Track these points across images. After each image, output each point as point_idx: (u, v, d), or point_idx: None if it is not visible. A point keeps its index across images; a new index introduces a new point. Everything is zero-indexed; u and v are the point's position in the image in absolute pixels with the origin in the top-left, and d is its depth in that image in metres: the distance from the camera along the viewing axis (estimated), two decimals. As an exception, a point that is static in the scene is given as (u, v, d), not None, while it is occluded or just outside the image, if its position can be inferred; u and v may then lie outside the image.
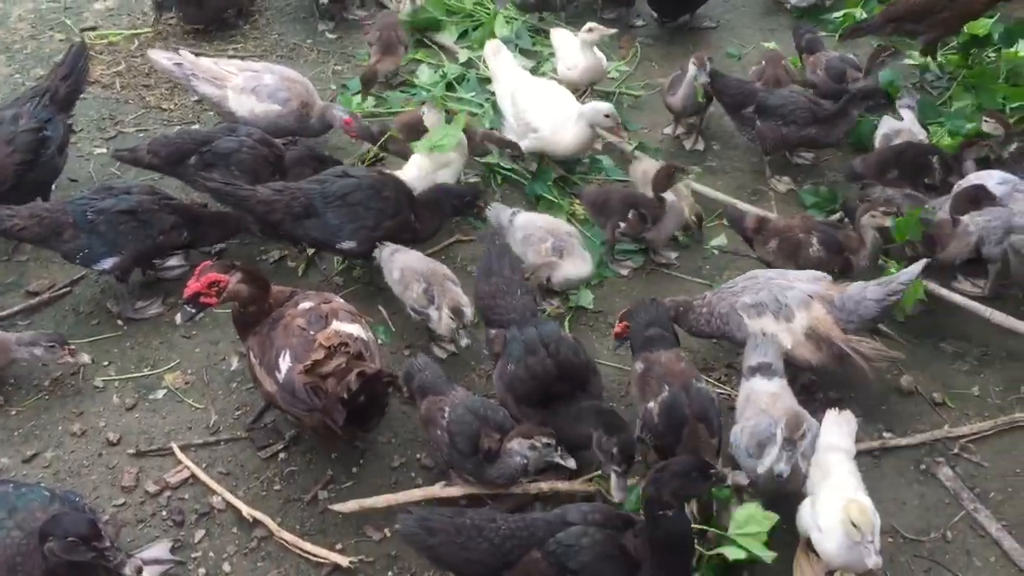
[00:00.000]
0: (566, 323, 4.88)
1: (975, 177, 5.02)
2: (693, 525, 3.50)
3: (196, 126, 6.27)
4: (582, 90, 6.39)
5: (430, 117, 5.55)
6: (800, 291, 4.27)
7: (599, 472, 4.00)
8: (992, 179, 4.96)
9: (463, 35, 7.26)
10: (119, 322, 4.92)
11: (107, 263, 4.77)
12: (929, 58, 6.58)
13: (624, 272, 5.25)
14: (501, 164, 5.89)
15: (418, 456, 4.25)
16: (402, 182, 5.06)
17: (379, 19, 6.92)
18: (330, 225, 4.80)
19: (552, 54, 6.68)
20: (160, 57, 5.90)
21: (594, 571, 3.22)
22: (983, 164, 5.41)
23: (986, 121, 5.47)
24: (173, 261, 5.16)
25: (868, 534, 3.27)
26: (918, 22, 6.34)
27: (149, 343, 4.81)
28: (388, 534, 3.90)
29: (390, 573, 3.81)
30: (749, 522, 3.55)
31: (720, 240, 5.44)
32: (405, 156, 5.61)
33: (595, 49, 6.30)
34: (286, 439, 4.27)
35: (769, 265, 4.90)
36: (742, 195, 5.72)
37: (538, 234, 4.89)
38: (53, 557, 3.17)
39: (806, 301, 4.24)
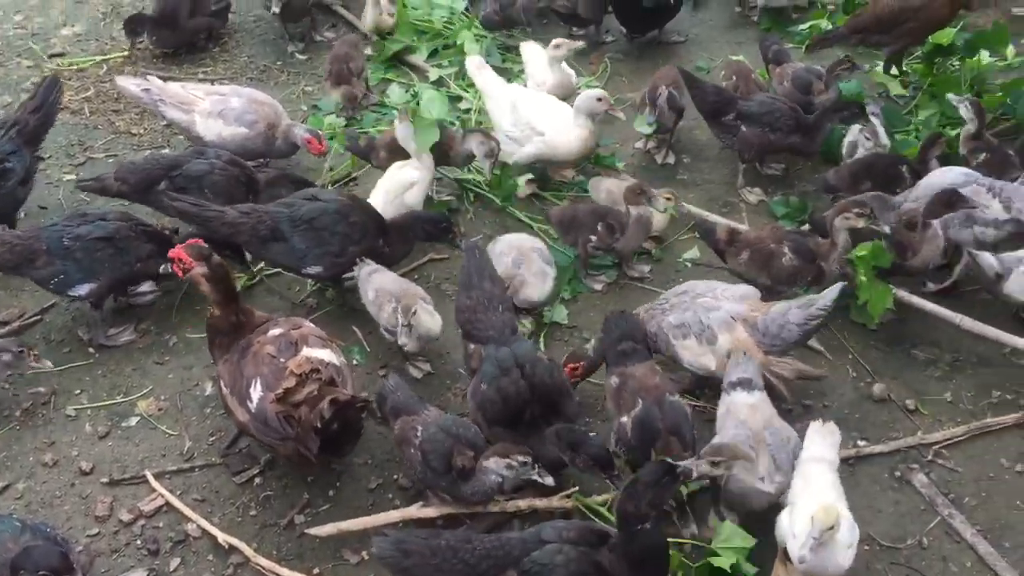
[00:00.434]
0: (541, 339, 4.88)
1: (938, 173, 5.08)
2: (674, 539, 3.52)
3: (166, 150, 6.26)
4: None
5: (401, 130, 5.54)
6: (724, 312, 4.28)
7: (576, 488, 4.00)
8: (956, 171, 5.06)
9: (433, 54, 7.29)
10: (91, 350, 4.88)
11: (82, 289, 4.73)
12: (890, 78, 6.67)
13: (598, 287, 5.26)
14: (479, 171, 5.91)
15: (395, 477, 4.23)
16: (371, 207, 5.04)
17: (333, 48, 6.82)
18: (296, 249, 4.78)
19: (522, 71, 6.71)
20: (128, 84, 5.89)
21: (569, 588, 3.21)
22: (946, 162, 5.48)
23: (966, 105, 5.52)
24: (144, 287, 5.13)
25: (819, 531, 3.27)
26: (884, 33, 6.43)
27: (121, 370, 4.77)
28: (366, 557, 3.87)
29: (368, 596, 3.80)
30: (732, 538, 3.59)
31: (693, 253, 5.46)
32: None
33: (564, 65, 6.33)
34: (261, 464, 4.24)
35: (741, 277, 4.93)
36: (714, 207, 5.76)
37: (500, 247, 4.91)
38: (25, 590, 3.13)
39: (728, 323, 4.25)
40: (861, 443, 4.32)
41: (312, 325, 4.17)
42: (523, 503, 3.94)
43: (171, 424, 4.49)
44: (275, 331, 4.01)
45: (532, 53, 6.58)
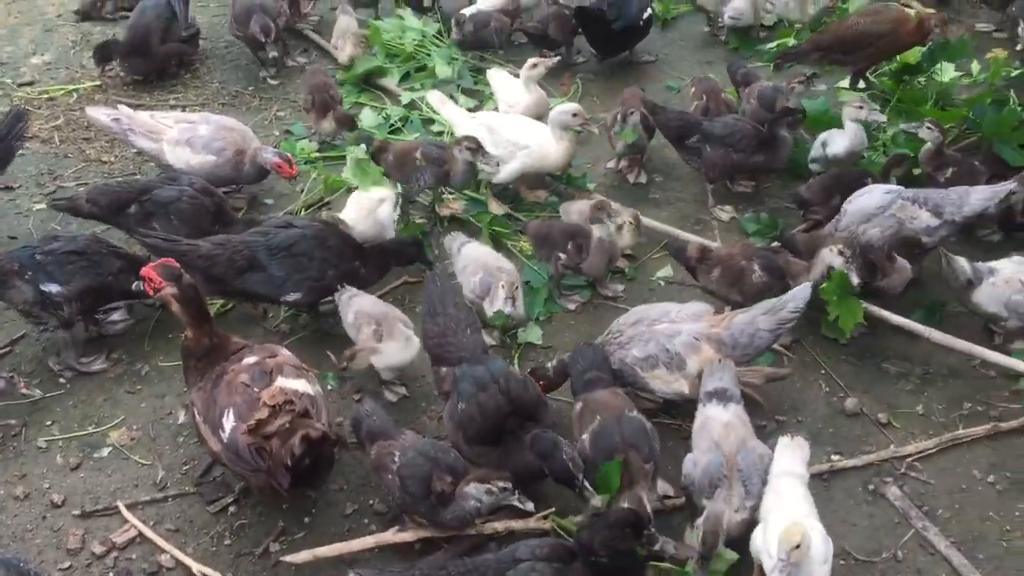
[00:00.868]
0: (515, 359, 4.88)
1: (863, 195, 5.18)
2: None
3: (138, 177, 6.23)
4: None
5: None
6: (686, 335, 4.30)
7: (553, 509, 4.00)
8: (879, 190, 5.18)
9: (405, 77, 7.31)
10: (62, 380, 4.84)
11: (53, 287, 4.72)
12: (857, 93, 6.76)
13: (571, 307, 5.27)
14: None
15: (371, 502, 4.21)
16: (343, 231, 5.04)
17: (307, 79, 6.78)
18: (275, 278, 4.77)
19: (493, 93, 6.75)
20: (98, 113, 5.89)
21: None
22: (907, 181, 5.55)
23: (928, 128, 5.61)
24: (116, 316, 5.10)
25: (786, 552, 3.28)
26: (845, 53, 6.56)
27: (93, 400, 4.73)
28: (342, 583, 3.85)
29: (344, 624, 3.76)
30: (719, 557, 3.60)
31: (666, 271, 5.49)
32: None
33: (537, 85, 6.39)
34: (235, 492, 4.21)
35: (713, 294, 4.96)
36: (686, 225, 5.80)
37: (471, 267, 4.94)
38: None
39: (693, 344, 4.27)
40: (835, 457, 4.35)
41: (288, 353, 4.14)
42: (500, 525, 3.94)
43: (144, 454, 4.45)
44: (250, 359, 3.99)
45: (500, 78, 6.64)
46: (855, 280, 4.67)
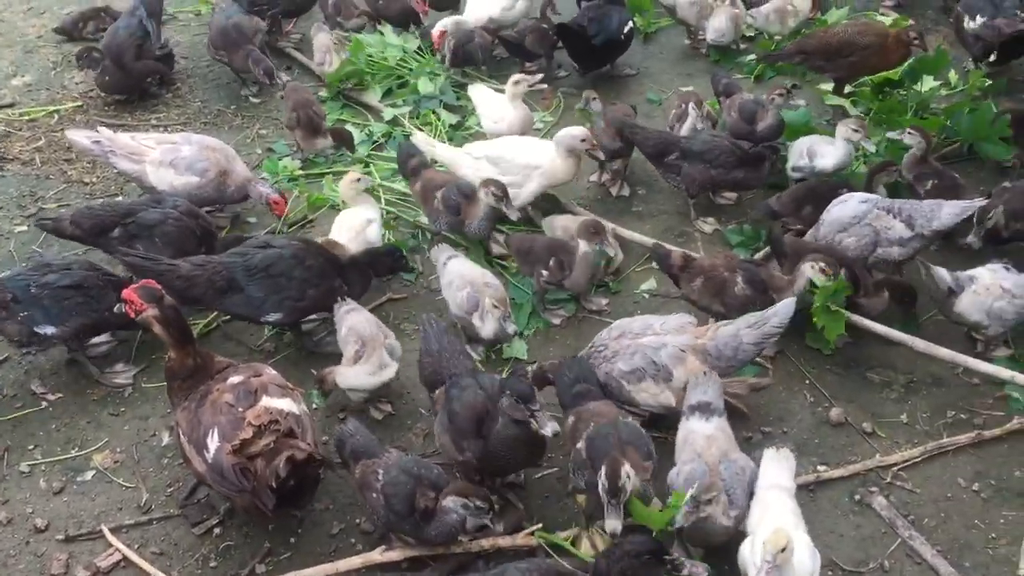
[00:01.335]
0: (503, 374, 4.88)
1: (839, 204, 5.22)
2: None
3: (120, 198, 6.21)
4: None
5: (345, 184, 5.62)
6: (672, 347, 4.31)
7: (539, 525, 4.00)
8: (854, 199, 5.22)
9: (387, 93, 7.32)
10: (44, 403, 4.80)
11: (48, 330, 4.70)
12: (843, 99, 6.83)
13: (556, 321, 5.27)
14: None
15: (357, 521, 4.19)
16: (326, 249, 5.00)
17: (289, 95, 6.72)
18: (254, 298, 4.75)
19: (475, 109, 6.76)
20: (79, 136, 5.84)
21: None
22: (892, 190, 5.59)
23: (910, 133, 5.65)
24: (100, 338, 5.06)
25: (772, 555, 3.29)
26: (827, 60, 6.60)
27: (76, 423, 4.70)
28: (329, 604, 3.83)
29: (332, 645, 3.75)
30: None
31: (650, 284, 5.50)
32: None
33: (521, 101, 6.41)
34: (221, 513, 4.19)
35: (695, 303, 4.97)
36: (669, 237, 5.81)
37: (458, 282, 4.94)
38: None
39: (679, 356, 4.29)
40: (821, 468, 4.36)
41: (273, 372, 4.13)
42: (486, 542, 3.93)
43: (128, 476, 4.43)
44: (234, 379, 3.98)
45: (482, 94, 6.65)
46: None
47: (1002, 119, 5.94)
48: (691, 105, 6.36)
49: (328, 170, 6.50)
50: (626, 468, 3.60)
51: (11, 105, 7.37)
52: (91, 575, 3.97)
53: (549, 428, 3.75)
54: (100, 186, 6.45)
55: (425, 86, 7.24)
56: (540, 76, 6.73)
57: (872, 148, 5.91)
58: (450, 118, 6.96)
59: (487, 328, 4.81)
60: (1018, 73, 7.09)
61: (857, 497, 4.22)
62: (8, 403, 4.81)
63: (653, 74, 7.74)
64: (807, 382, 4.82)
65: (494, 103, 6.50)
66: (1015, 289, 4.69)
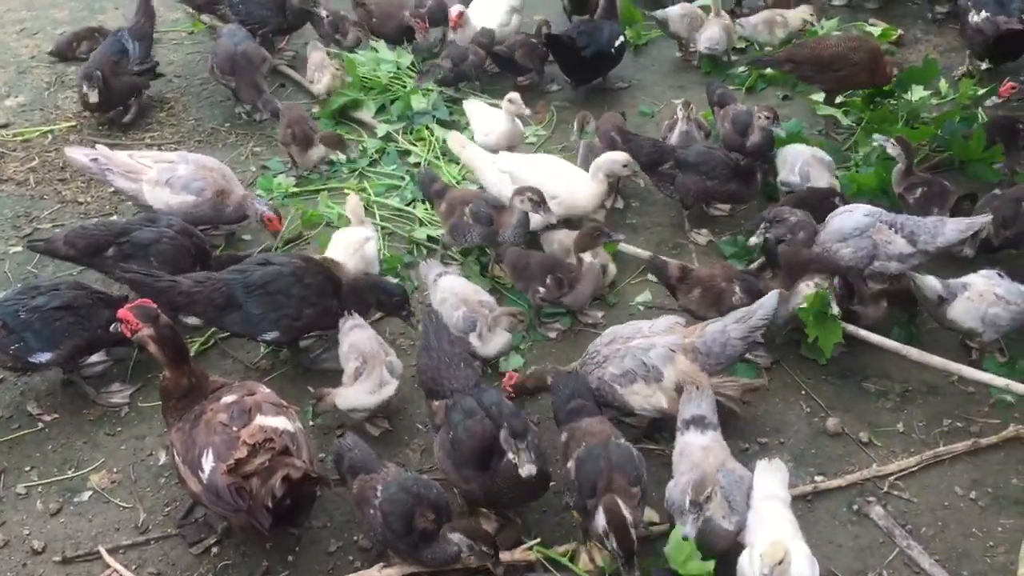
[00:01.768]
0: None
1: (843, 213, 5.22)
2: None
3: (114, 217, 6.21)
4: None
5: (351, 202, 5.61)
6: (661, 347, 4.33)
7: (538, 540, 4.00)
8: (859, 211, 5.19)
9: (380, 109, 7.34)
10: (40, 424, 4.79)
11: (43, 357, 4.69)
12: (835, 109, 6.87)
13: (552, 335, 5.28)
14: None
15: (355, 538, 4.18)
16: (326, 268, 4.94)
17: (285, 116, 6.69)
18: (252, 316, 4.74)
19: (469, 123, 6.79)
20: (76, 154, 5.85)
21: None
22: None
23: (892, 144, 5.68)
24: (94, 358, 5.06)
25: (769, 567, 3.30)
26: (817, 72, 6.64)
27: (72, 444, 4.69)
28: (328, 623, 3.83)
29: (331, 663, 3.74)
30: (689, 560, 3.61)
31: (645, 296, 5.51)
32: None
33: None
34: (218, 532, 4.17)
35: (692, 314, 4.98)
36: (663, 250, 5.83)
37: (452, 300, 4.94)
38: None
39: (669, 356, 4.31)
40: (818, 478, 4.36)
41: (267, 390, 4.11)
42: (485, 558, 3.92)
43: (125, 496, 4.41)
44: (228, 398, 3.97)
45: (475, 108, 6.69)
46: (835, 309, 4.73)
47: (996, 148, 5.96)
48: (678, 108, 6.38)
49: (323, 186, 6.52)
50: (628, 517, 3.59)
51: (5, 126, 7.38)
52: (88, 597, 3.97)
53: (526, 470, 3.70)
54: (95, 205, 6.46)
55: (418, 102, 7.26)
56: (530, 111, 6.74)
57: (783, 133, 6.07)
58: (444, 133, 6.98)
59: (486, 347, 4.83)
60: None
61: (855, 507, 4.23)
62: (4, 424, 4.80)
63: (645, 86, 7.78)
64: (803, 392, 4.82)
65: (486, 116, 6.54)
66: (1008, 296, 4.72)
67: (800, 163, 5.86)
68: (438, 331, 4.41)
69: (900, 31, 8.19)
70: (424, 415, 4.66)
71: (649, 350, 4.34)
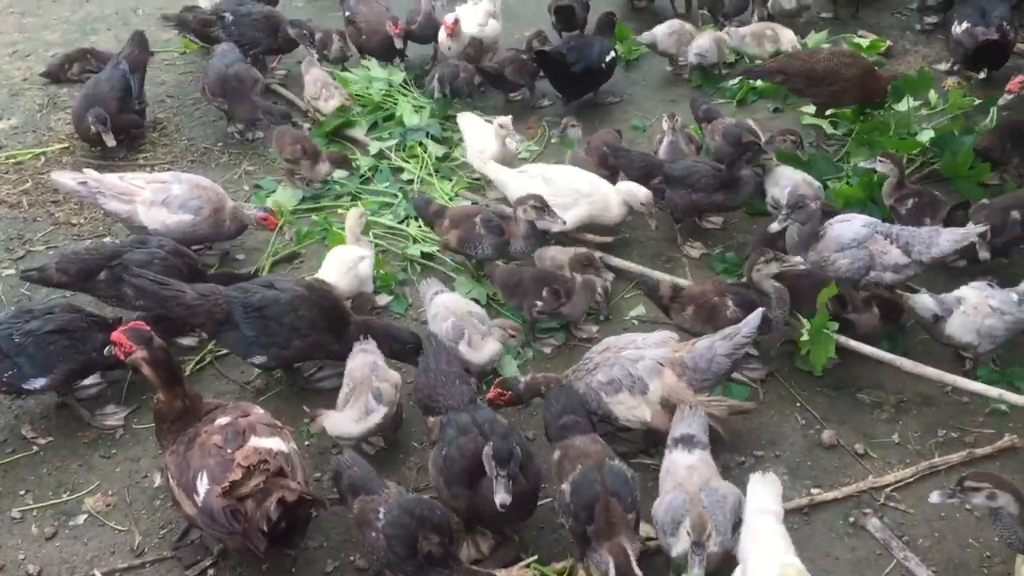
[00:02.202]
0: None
1: (841, 223, 5.22)
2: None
3: (108, 239, 6.21)
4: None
5: (350, 219, 5.62)
6: (650, 360, 4.35)
7: (535, 557, 3.99)
8: (857, 221, 5.19)
9: (373, 127, 7.36)
10: (35, 448, 4.78)
11: (38, 383, 4.68)
12: (823, 119, 6.90)
13: (547, 350, 5.28)
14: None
15: (352, 558, 4.17)
16: (331, 303, 4.84)
17: (285, 136, 6.66)
18: (245, 337, 4.73)
19: (462, 139, 6.80)
20: (64, 178, 5.80)
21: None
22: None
23: (881, 161, 5.70)
24: (89, 380, 5.05)
25: None
26: (808, 85, 6.65)
27: (67, 467, 4.67)
28: (325, 644, 3.81)
29: None
30: None
31: (639, 310, 5.52)
32: None
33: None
34: (214, 555, 4.15)
35: (688, 332, 4.99)
36: (656, 263, 5.84)
37: (443, 313, 4.96)
38: None
39: (656, 369, 4.33)
40: (815, 491, 4.36)
41: (261, 411, 4.11)
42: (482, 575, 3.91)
43: (120, 519, 4.40)
44: (222, 420, 3.96)
45: (470, 123, 6.70)
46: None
47: (982, 167, 5.98)
48: (664, 120, 6.39)
49: (316, 205, 6.52)
50: (631, 554, 3.58)
51: (-2, 149, 7.39)
52: (84, 621, 3.95)
53: (499, 498, 3.69)
54: (88, 227, 6.46)
55: (410, 118, 7.28)
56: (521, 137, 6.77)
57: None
58: (437, 150, 7.00)
59: (476, 355, 4.83)
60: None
61: (851, 519, 4.22)
62: (-2, 448, 4.79)
63: (637, 101, 7.81)
64: (798, 404, 4.83)
65: (481, 132, 6.55)
66: (1003, 306, 4.73)
67: (791, 186, 5.85)
68: (436, 352, 4.45)
69: (889, 42, 8.24)
70: (420, 432, 4.65)
71: (637, 361, 4.35)
